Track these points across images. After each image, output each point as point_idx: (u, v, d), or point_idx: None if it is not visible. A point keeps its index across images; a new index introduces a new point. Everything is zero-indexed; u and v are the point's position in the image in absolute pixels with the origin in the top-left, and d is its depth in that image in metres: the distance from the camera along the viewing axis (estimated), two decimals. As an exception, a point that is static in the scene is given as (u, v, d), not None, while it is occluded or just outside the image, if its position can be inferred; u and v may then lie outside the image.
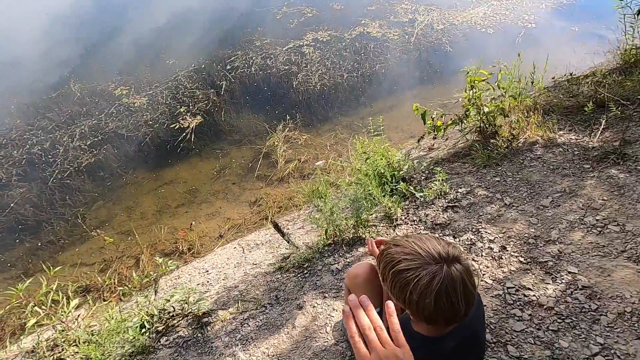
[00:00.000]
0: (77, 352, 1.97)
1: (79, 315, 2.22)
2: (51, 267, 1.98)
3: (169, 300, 2.20)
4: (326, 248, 2.31)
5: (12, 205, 3.47)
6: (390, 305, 0.70)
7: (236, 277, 2.43)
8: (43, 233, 3.30)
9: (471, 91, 2.78)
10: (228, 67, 5.02)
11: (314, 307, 1.94)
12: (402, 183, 2.67)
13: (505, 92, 2.80)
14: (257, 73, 4.91)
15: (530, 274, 1.84)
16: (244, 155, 3.90)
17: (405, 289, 0.88)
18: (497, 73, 2.93)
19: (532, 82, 2.93)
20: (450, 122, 3.06)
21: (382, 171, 2.71)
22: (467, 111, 2.98)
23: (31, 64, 5.51)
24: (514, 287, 1.79)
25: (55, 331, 2.11)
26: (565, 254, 1.89)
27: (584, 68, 4.09)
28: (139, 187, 3.70)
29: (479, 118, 2.94)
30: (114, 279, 2.76)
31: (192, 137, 4.08)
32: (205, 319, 2.09)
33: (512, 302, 1.72)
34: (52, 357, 2.07)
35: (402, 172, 2.83)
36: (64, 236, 3.27)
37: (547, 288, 1.75)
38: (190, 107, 4.40)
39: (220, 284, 2.43)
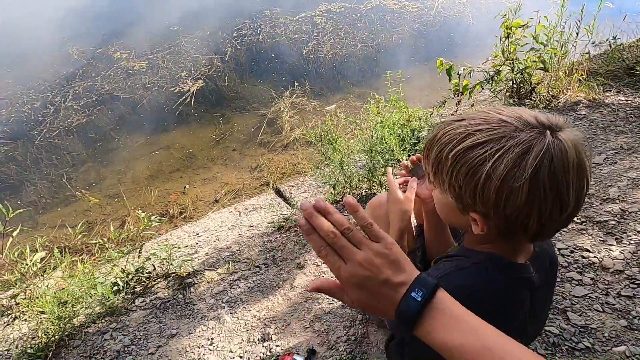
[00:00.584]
0: (37, 312, 1.67)
1: (45, 272, 1.92)
2: (10, 209, 1.68)
3: (149, 259, 1.89)
4: (334, 205, 1.97)
5: (-6, 162, 3.21)
6: (349, 199, 0.47)
7: (229, 239, 2.12)
8: (25, 193, 3.02)
9: (506, 41, 2.42)
10: (234, 34, 4.72)
11: (317, 266, 1.61)
12: (421, 143, 2.33)
13: (547, 42, 2.42)
14: (265, 41, 4.60)
15: (587, 235, 1.49)
16: (247, 122, 3.59)
17: (478, 172, 0.54)
18: (535, 27, 2.57)
19: (577, 33, 2.55)
20: (478, 82, 2.70)
21: (400, 131, 2.37)
22: (498, 69, 2.63)
23: (27, 26, 5.28)
24: (567, 248, 1.43)
25: (17, 286, 1.81)
26: (630, 212, 1.53)
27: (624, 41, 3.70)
28: (132, 151, 3.41)
29: (513, 75, 2.57)
30: (94, 241, 2.46)
31: (192, 101, 3.78)
32: (189, 280, 1.78)
33: (566, 264, 1.37)
34: (9, 316, 1.78)
35: (422, 133, 2.49)
36: (47, 197, 3.00)
37: (610, 250, 1.39)
38: (192, 72, 4.11)
39: (211, 245, 2.11)
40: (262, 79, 4.07)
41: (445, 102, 3.16)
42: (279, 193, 2.64)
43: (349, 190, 2.01)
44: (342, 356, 1.19)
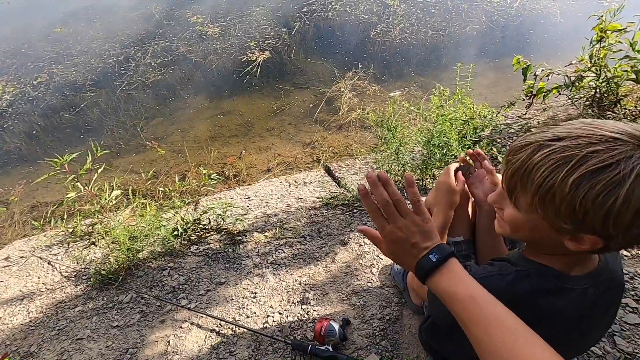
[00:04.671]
0: (109, 240, 1.91)
1: (118, 208, 2.17)
2: (98, 148, 1.91)
3: (206, 212, 2.07)
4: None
5: (82, 106, 3.59)
6: (409, 176, 0.64)
7: (278, 207, 2.24)
8: (104, 136, 3.38)
9: (597, 45, 2.22)
10: (304, 9, 4.75)
11: (360, 245, 1.67)
12: (482, 142, 2.26)
13: (645, 51, 2.19)
14: (334, 19, 4.58)
15: (652, 264, 1.40)
16: (306, 98, 3.67)
17: (613, 195, 0.52)
18: (634, 32, 2.32)
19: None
20: (556, 85, 2.52)
21: (462, 127, 2.31)
22: (581, 75, 2.43)
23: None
24: (627, 274, 1.36)
25: (95, 217, 2.08)
26: None
27: None
28: (197, 112, 3.64)
29: (598, 84, 2.37)
30: (160, 188, 2.72)
31: (258, 71, 3.91)
32: (239, 238, 1.93)
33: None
34: (87, 241, 2.06)
35: (484, 132, 2.40)
36: (121, 143, 3.32)
37: (677, 284, 1.30)
38: (260, 43, 4.23)
39: (261, 210, 2.25)
40: (326, 57, 4.10)
41: (514, 103, 2.99)
42: (328, 171, 2.72)
43: (400, 179, 2.03)
44: (375, 331, 1.26)
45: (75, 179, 1.82)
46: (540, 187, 0.57)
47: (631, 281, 1.34)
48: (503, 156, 2.18)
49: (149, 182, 2.67)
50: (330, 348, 1.17)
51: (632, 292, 1.30)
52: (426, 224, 0.62)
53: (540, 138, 0.59)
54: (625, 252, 1.46)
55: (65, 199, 1.80)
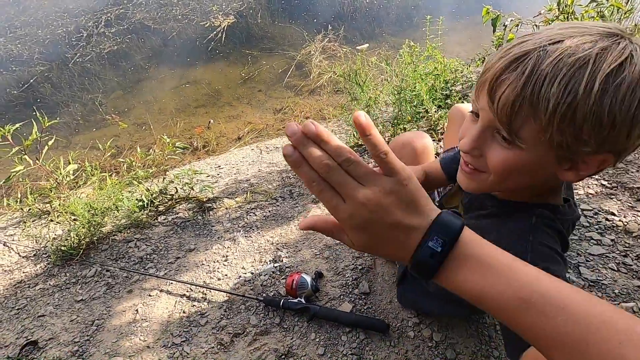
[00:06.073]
0: (69, 217, 1.80)
1: (77, 184, 2.04)
2: (46, 118, 1.76)
3: (172, 182, 1.97)
4: (355, 149, 1.96)
5: (31, 81, 3.32)
6: (360, 117, 0.35)
7: (249, 173, 2.17)
8: (59, 113, 3.14)
9: (565, -11, 2.19)
10: (269, -31, 4.47)
11: (332, 202, 1.64)
12: (453, 97, 2.22)
13: (611, -6, 2.17)
14: (301, -21, 4.35)
15: (616, 200, 1.43)
16: (275, 63, 3.51)
17: (637, 97, 0.45)
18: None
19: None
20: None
21: (433, 81, 2.26)
22: (549, 24, 2.40)
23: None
24: (591, 210, 1.39)
25: (52, 194, 1.95)
26: (668, 182, 1.45)
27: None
28: (161, 83, 3.44)
29: (565, 31, 2.35)
30: (120, 159, 2.58)
31: (223, 37, 3.70)
32: (209, 205, 1.85)
33: (588, 225, 1.34)
34: (45, 219, 1.94)
35: (456, 87, 2.37)
36: (79, 119, 3.11)
37: (638, 215, 1.34)
38: (223, 7, 3.99)
39: (231, 177, 2.17)
40: (294, 20, 3.91)
41: (484, 57, 2.96)
42: (301, 136, 2.64)
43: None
44: (348, 282, 1.24)
45: (23, 152, 1.67)
46: (559, 105, 0.45)
47: (595, 216, 1.36)
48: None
49: (110, 156, 2.52)
50: (302, 300, 1.14)
51: (597, 226, 1.32)
52: (405, 187, 0.36)
53: (536, 44, 0.47)
54: (589, 190, 1.48)
55: (12, 174, 1.65)
